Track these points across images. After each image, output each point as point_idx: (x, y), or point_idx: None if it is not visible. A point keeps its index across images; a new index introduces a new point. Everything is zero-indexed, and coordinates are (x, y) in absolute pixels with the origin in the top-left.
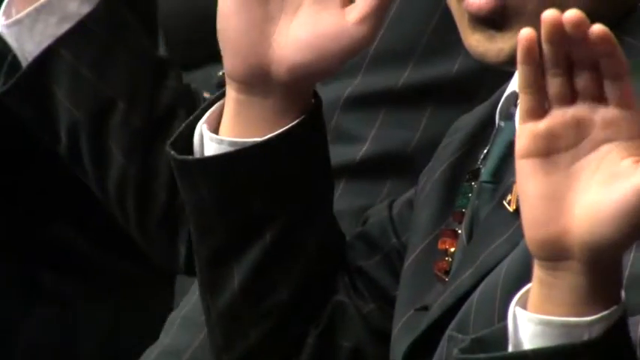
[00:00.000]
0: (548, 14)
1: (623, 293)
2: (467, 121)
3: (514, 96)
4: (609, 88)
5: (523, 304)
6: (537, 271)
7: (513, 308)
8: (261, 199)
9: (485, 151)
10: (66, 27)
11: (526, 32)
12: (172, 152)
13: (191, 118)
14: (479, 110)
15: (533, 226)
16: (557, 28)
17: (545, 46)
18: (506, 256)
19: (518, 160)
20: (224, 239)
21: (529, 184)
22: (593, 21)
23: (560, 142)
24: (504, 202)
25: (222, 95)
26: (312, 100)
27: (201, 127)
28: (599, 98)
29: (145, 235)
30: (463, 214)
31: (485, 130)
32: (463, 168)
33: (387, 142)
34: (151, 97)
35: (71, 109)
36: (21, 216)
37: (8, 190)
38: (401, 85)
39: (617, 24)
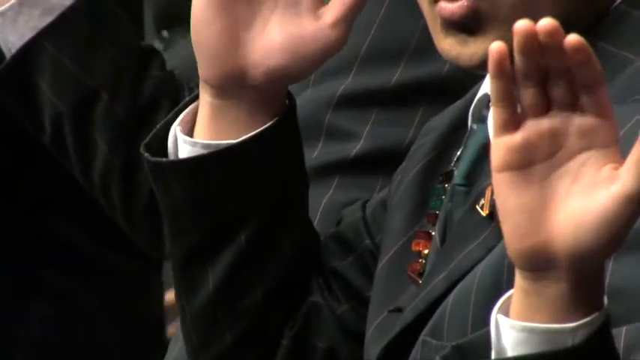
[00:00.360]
0: (521, 25)
1: (605, 299)
2: (439, 122)
3: (486, 98)
4: (585, 97)
5: (505, 311)
6: (519, 280)
7: (495, 315)
8: (236, 201)
9: (458, 153)
10: (48, 19)
11: (497, 45)
12: (146, 154)
13: (165, 120)
14: (451, 111)
15: (515, 238)
16: (531, 38)
17: (517, 58)
18: (479, 260)
19: (496, 174)
20: (198, 240)
21: (508, 197)
22: (566, 26)
23: (537, 153)
24: (477, 207)
25: (196, 97)
26: (287, 102)
27: (175, 130)
28: (574, 107)
29: (130, 223)
30: (437, 216)
31: (457, 131)
32: (436, 170)
33: (381, 139)
34: (134, 88)
35: (55, 100)
36: (20, 214)
37: (6, 188)
38: (393, 84)
39: (590, 28)
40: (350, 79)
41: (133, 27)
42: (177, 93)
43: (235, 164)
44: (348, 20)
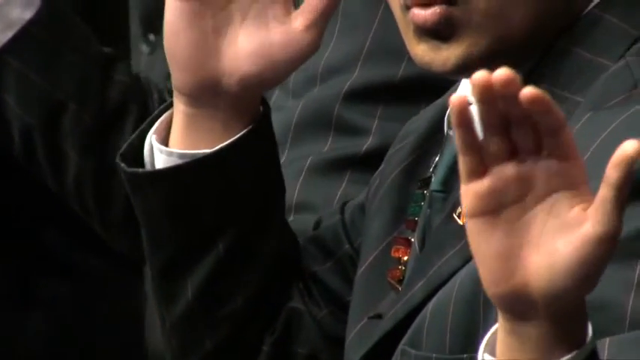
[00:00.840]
0: (477, 76)
1: (590, 331)
2: (418, 124)
3: None
4: (548, 143)
5: (491, 349)
6: (502, 320)
7: (482, 355)
8: (213, 210)
9: (436, 159)
10: (10, 34)
11: (456, 98)
12: (122, 165)
13: (140, 129)
14: (429, 111)
15: (492, 283)
16: (488, 89)
17: (478, 107)
18: (457, 268)
19: (468, 220)
20: (176, 250)
21: (481, 243)
22: (539, 30)
23: (506, 198)
24: (454, 215)
25: (171, 105)
26: (261, 108)
27: (151, 139)
28: (539, 150)
29: (108, 231)
30: (416, 222)
31: (435, 135)
32: (414, 174)
33: (390, 135)
34: (101, 94)
35: (23, 114)
36: (10, 223)
37: None
38: (400, 78)
39: (562, 32)
40: (355, 74)
41: (93, 34)
42: (145, 97)
43: (212, 173)
44: (319, 24)
